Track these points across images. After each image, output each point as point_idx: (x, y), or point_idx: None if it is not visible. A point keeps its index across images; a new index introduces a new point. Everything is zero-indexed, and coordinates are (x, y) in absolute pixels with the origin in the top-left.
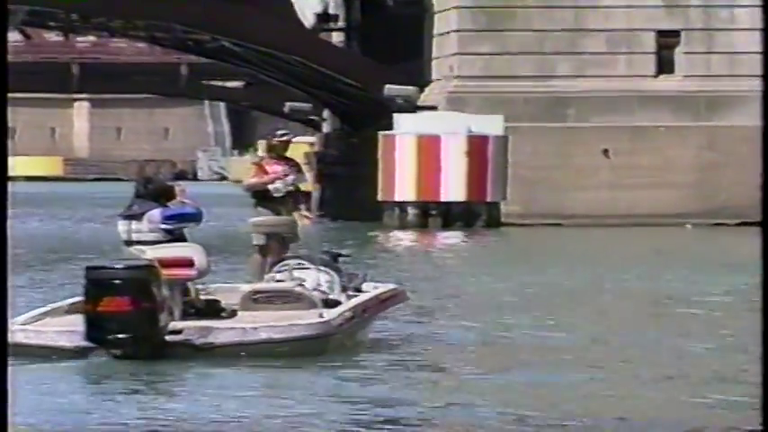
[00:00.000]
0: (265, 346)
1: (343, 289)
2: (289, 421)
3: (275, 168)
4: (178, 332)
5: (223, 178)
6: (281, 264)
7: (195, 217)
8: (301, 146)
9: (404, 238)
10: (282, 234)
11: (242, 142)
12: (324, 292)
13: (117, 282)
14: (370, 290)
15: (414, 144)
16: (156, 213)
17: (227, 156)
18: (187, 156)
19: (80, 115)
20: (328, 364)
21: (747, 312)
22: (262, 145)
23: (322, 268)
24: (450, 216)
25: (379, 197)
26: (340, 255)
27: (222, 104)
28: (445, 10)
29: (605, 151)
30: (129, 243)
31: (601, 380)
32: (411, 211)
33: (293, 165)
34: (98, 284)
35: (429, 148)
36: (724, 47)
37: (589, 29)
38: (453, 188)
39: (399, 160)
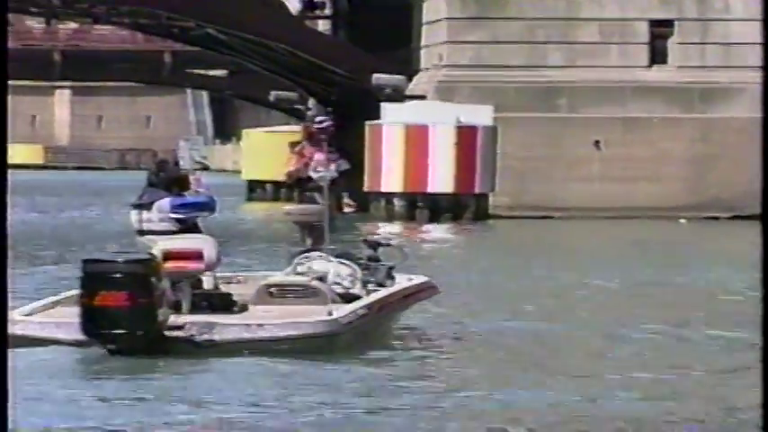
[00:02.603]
0: (268, 343)
1: (365, 284)
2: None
3: (318, 156)
4: (179, 327)
5: (205, 168)
6: (302, 256)
7: (208, 206)
8: (287, 135)
9: (390, 231)
10: (311, 223)
11: (224, 131)
12: (344, 287)
13: (114, 276)
14: (403, 281)
15: (401, 134)
16: (165, 203)
17: (208, 145)
18: (168, 145)
19: (61, 103)
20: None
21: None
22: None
23: (344, 261)
24: (438, 208)
25: (366, 188)
26: (380, 244)
27: (205, 93)
28: None
29: (597, 143)
30: (141, 233)
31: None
32: (398, 202)
33: (333, 151)
34: (95, 278)
35: (417, 138)
36: (718, 37)
37: (582, 18)
38: (441, 179)
39: (386, 150)
